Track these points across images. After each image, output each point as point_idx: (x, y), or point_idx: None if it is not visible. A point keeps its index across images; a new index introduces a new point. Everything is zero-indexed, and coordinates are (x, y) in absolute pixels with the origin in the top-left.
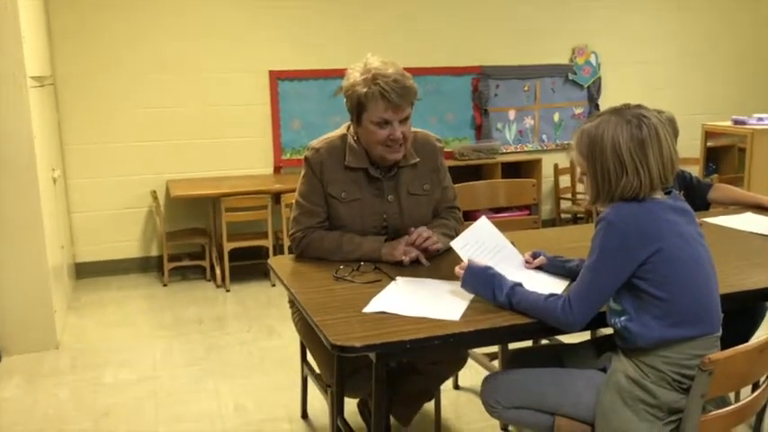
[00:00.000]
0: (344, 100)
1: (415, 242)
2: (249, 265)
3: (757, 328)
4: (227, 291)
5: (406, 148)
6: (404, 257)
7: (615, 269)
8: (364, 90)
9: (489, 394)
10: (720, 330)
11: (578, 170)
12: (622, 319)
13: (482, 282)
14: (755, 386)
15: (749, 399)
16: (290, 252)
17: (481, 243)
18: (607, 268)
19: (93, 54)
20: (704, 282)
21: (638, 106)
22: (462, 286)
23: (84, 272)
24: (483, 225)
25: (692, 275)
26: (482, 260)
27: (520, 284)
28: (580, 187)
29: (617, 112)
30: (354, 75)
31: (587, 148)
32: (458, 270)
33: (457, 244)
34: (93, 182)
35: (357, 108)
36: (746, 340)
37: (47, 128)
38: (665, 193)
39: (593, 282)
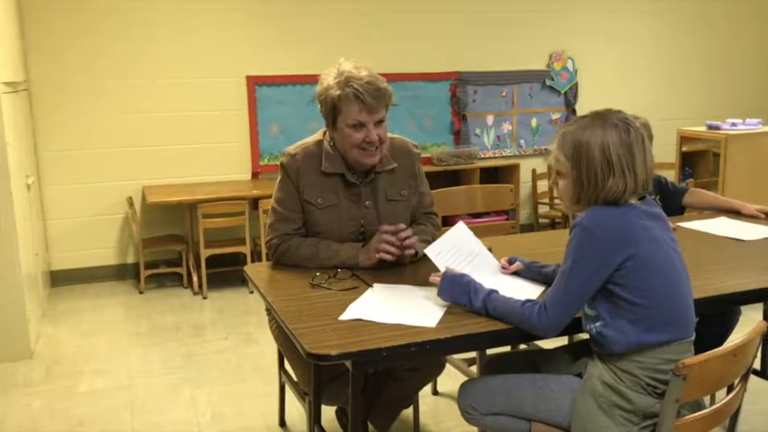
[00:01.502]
0: (319, 105)
1: (397, 235)
2: (227, 272)
3: (731, 332)
4: (205, 298)
5: (382, 152)
6: (384, 255)
7: (590, 274)
8: (338, 93)
9: (466, 401)
10: (694, 335)
11: (553, 174)
12: (597, 324)
13: (458, 289)
14: (730, 388)
15: (723, 402)
16: (268, 259)
17: (457, 249)
18: (582, 274)
19: (68, 60)
20: (678, 287)
21: (620, 112)
22: (438, 294)
23: (60, 279)
24: (460, 230)
25: (667, 280)
26: (457, 267)
27: (496, 291)
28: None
29: (602, 116)
30: (328, 79)
31: (573, 150)
32: (433, 278)
33: (431, 251)
34: (69, 188)
35: (332, 112)
36: (721, 344)
37: (21, 134)
38: (639, 199)
39: (568, 287)
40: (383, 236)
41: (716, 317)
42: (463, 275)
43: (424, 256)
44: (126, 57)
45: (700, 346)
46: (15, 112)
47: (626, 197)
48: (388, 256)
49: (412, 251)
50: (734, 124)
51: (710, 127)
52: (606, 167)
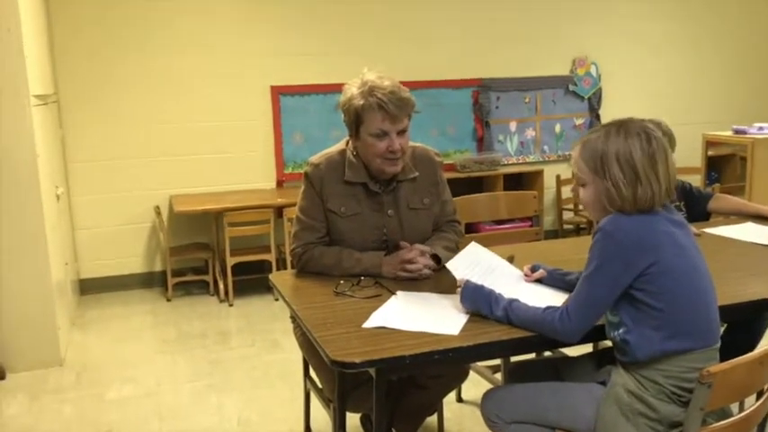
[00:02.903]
0: (342, 115)
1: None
2: (252, 280)
3: (760, 340)
4: (231, 305)
5: (404, 161)
6: (407, 275)
7: (612, 280)
8: (361, 102)
9: (489, 409)
10: (719, 342)
11: (574, 182)
12: (620, 331)
13: (480, 298)
14: (759, 395)
15: (750, 410)
16: (293, 266)
17: (476, 264)
18: (604, 279)
19: (96, 71)
20: (702, 293)
21: (642, 120)
22: (461, 302)
23: (89, 288)
24: (474, 249)
25: (691, 287)
26: (478, 281)
27: (517, 300)
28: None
29: (624, 126)
30: (351, 89)
31: (594, 160)
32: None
33: (452, 266)
34: (97, 198)
35: (355, 121)
36: (749, 352)
37: (50, 145)
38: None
39: (590, 292)
40: (406, 255)
41: (743, 324)
42: (483, 286)
43: None
44: (152, 68)
45: (727, 354)
46: (45, 123)
47: (657, 204)
48: (411, 275)
49: (423, 273)
50: (761, 128)
51: (737, 131)
52: (632, 176)
